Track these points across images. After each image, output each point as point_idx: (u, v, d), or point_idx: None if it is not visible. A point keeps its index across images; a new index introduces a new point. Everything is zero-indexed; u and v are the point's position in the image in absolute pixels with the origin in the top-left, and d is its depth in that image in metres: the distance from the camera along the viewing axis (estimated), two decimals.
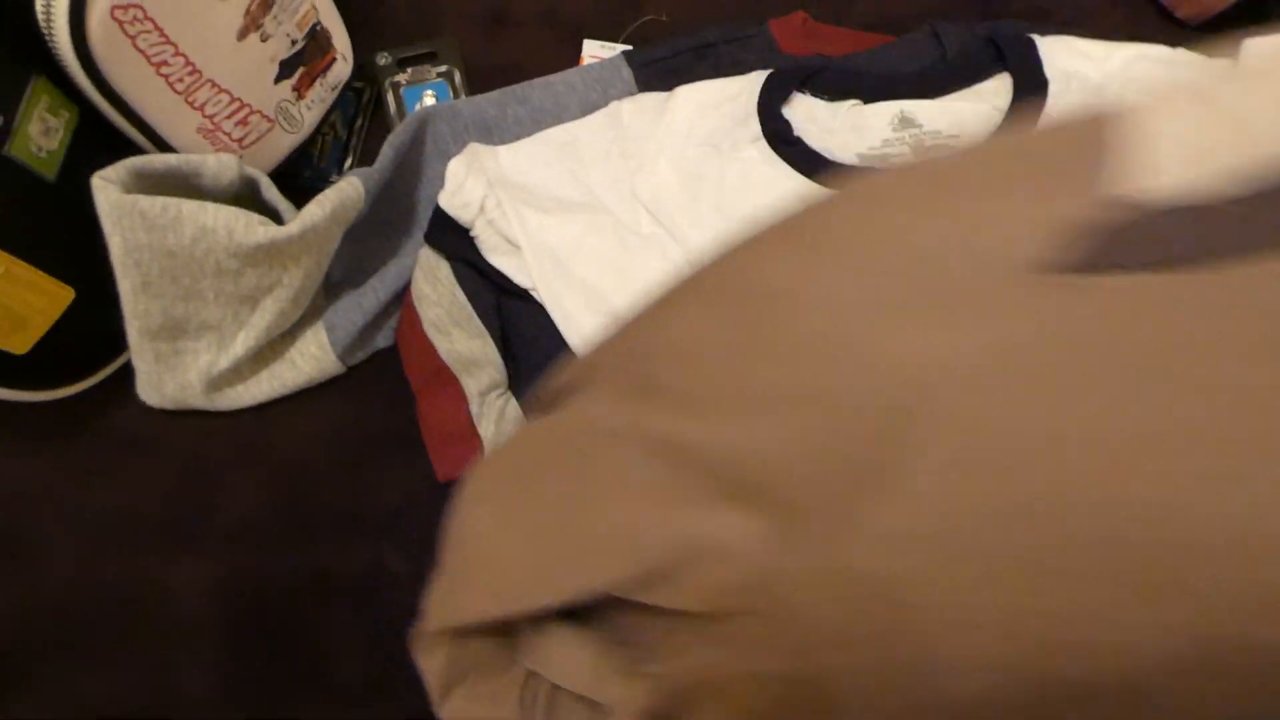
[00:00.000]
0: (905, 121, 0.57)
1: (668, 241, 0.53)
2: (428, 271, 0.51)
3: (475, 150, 0.52)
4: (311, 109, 0.52)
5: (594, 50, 0.62)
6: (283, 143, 0.52)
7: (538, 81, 0.58)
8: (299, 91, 0.51)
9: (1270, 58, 0.62)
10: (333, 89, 0.53)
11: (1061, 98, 0.56)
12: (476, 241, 0.51)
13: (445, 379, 0.52)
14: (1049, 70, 0.56)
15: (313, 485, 0.52)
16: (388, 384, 0.54)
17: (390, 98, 0.59)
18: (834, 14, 0.63)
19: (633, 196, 0.53)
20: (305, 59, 0.50)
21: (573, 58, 0.62)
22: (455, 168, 0.50)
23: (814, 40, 0.60)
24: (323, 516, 0.51)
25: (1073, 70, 0.57)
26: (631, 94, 0.58)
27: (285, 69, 0.49)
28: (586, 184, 0.54)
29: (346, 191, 0.47)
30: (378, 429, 0.54)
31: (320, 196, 0.46)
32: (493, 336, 0.52)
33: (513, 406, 0.53)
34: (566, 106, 0.58)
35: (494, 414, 0.53)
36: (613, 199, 0.53)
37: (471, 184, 0.50)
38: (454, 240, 0.51)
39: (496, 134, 0.57)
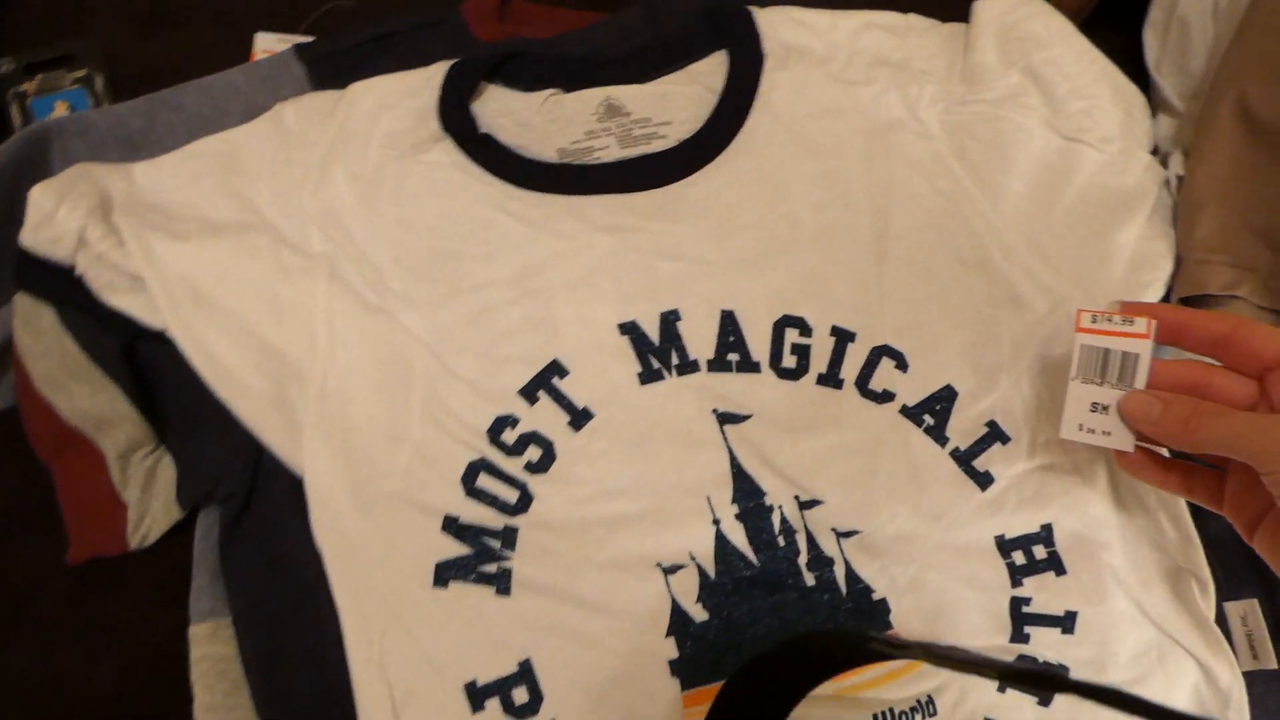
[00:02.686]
0: (611, 110, 0.51)
1: (341, 260, 0.46)
2: (27, 320, 0.43)
3: (82, 172, 0.44)
4: None
5: (268, 44, 0.55)
6: None
7: (193, 84, 0.51)
8: None
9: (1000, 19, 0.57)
10: None
11: (778, 73, 0.51)
12: (85, 280, 0.43)
13: (77, 442, 0.44)
14: (767, 44, 0.51)
15: None
16: (22, 451, 0.46)
17: (15, 110, 0.50)
18: None
19: (301, 211, 0.47)
20: None
21: (245, 57, 0.54)
22: (40, 196, 0.42)
23: (512, 22, 0.54)
24: None
25: (793, 43, 0.52)
26: (305, 93, 0.51)
27: None
28: (248, 199, 0.47)
29: None
30: (4, 504, 0.46)
31: None
32: (123, 388, 0.44)
33: (165, 465, 0.46)
34: (229, 112, 0.51)
35: (141, 476, 0.45)
36: (279, 215, 0.47)
37: (65, 213, 0.42)
38: (53, 282, 0.43)
39: (144, 148, 0.49)
